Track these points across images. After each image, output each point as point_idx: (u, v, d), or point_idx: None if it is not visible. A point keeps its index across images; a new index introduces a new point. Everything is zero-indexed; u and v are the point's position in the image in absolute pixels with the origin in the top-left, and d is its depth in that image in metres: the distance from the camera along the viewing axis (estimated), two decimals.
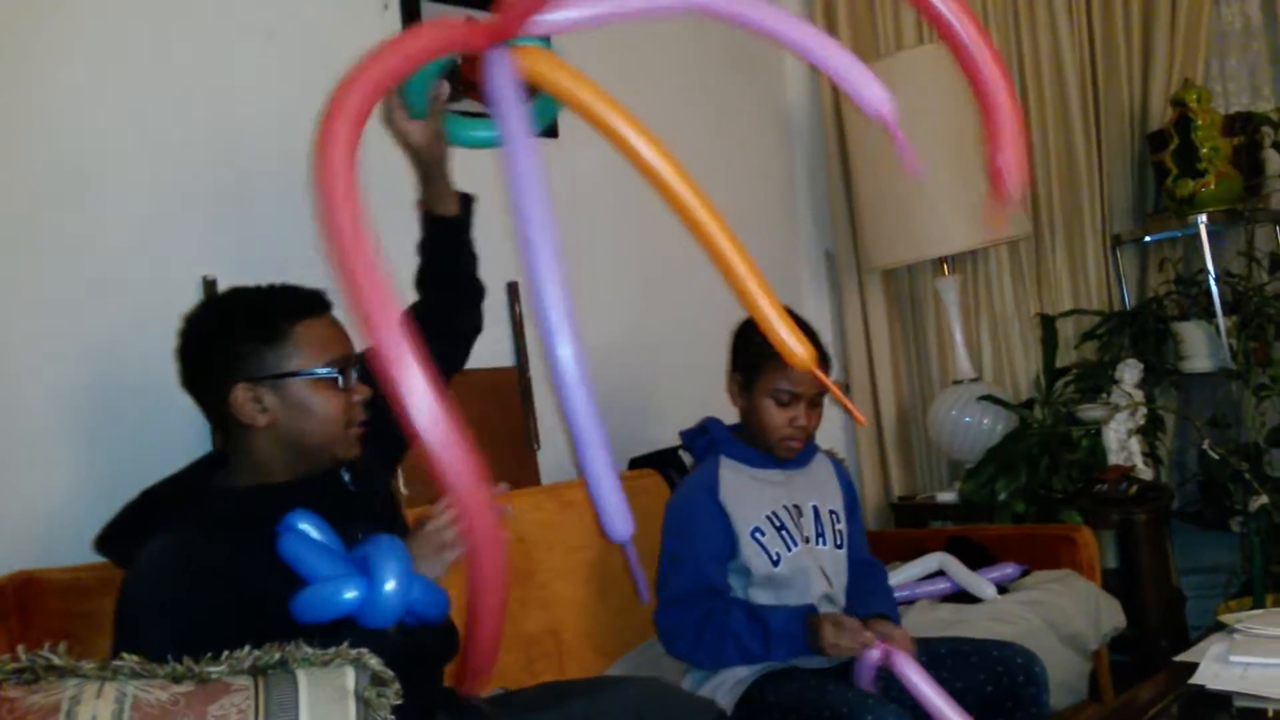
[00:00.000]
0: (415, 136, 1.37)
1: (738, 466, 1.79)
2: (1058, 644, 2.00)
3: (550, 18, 1.14)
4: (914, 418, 3.07)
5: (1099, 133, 2.97)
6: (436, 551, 1.17)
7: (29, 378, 1.59)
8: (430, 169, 1.41)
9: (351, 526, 1.22)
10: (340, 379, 1.27)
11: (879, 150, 2.76)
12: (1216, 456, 2.52)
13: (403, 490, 1.82)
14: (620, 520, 1.11)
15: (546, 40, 1.22)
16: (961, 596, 2.15)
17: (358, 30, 2.09)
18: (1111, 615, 2.20)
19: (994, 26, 3.00)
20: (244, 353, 1.23)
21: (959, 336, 2.84)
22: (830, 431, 3.09)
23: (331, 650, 1.00)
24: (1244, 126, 2.75)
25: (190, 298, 1.60)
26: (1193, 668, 1.57)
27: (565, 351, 1.03)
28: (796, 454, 1.80)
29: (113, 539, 1.24)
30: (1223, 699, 1.48)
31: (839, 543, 1.81)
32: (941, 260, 2.82)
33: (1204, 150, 2.66)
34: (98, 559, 1.29)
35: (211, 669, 0.96)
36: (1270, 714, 1.46)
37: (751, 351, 1.77)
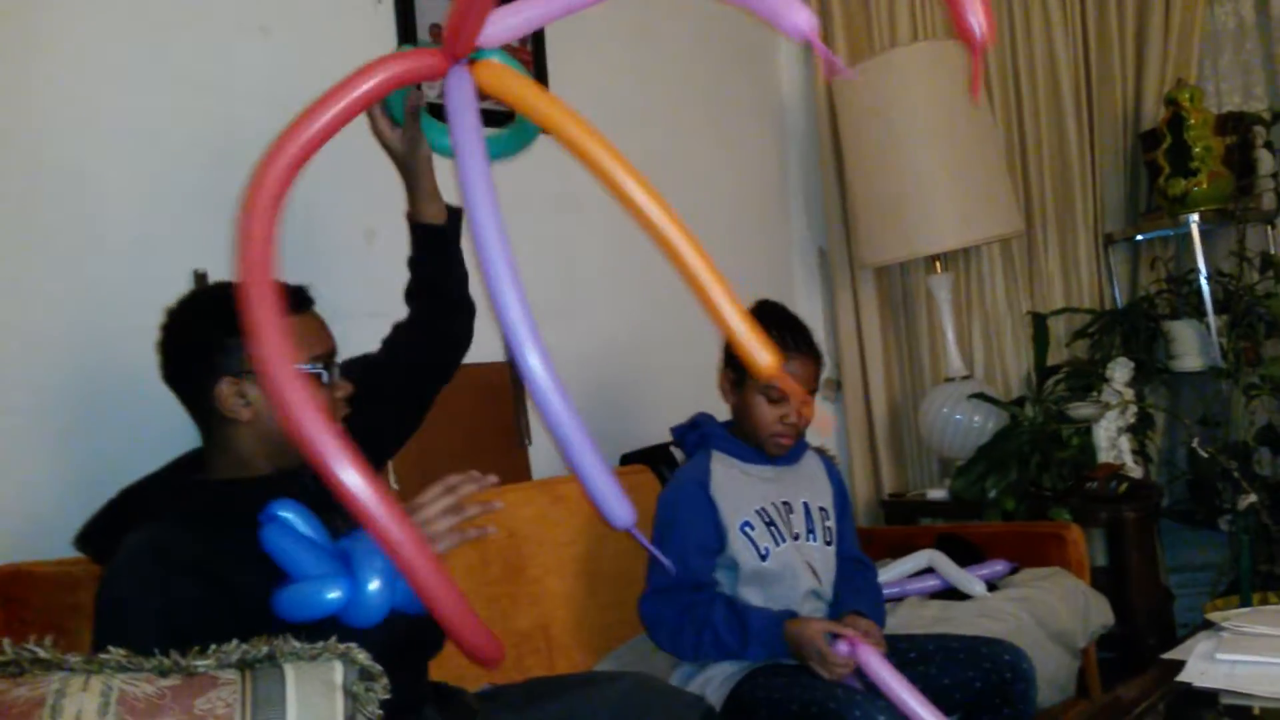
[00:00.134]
0: (395, 143, 1.39)
1: (729, 461, 1.80)
2: (1046, 641, 2.00)
3: (496, 30, 1.15)
4: (905, 415, 3.08)
5: (1092, 131, 2.98)
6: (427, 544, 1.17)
7: (17, 371, 1.58)
8: (412, 176, 1.43)
9: (333, 518, 1.22)
10: (323, 374, 1.27)
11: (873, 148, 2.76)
12: (1206, 455, 2.53)
13: (394, 486, 1.82)
14: (621, 507, 1.11)
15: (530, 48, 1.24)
16: (951, 593, 2.15)
17: (351, 26, 2.09)
18: (1100, 613, 2.21)
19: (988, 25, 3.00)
20: (228, 347, 1.23)
21: (951, 334, 2.84)
22: (822, 428, 3.10)
23: (319, 644, 0.99)
24: (1236, 126, 2.76)
25: (180, 291, 1.59)
26: (1180, 665, 1.57)
27: (533, 360, 1.03)
28: (787, 450, 1.81)
29: (92, 536, 1.24)
30: (1209, 696, 1.49)
31: (828, 539, 1.81)
32: (934, 258, 2.83)
33: (1196, 149, 2.67)
34: None
35: (198, 663, 0.96)
36: (1256, 711, 1.46)
37: None
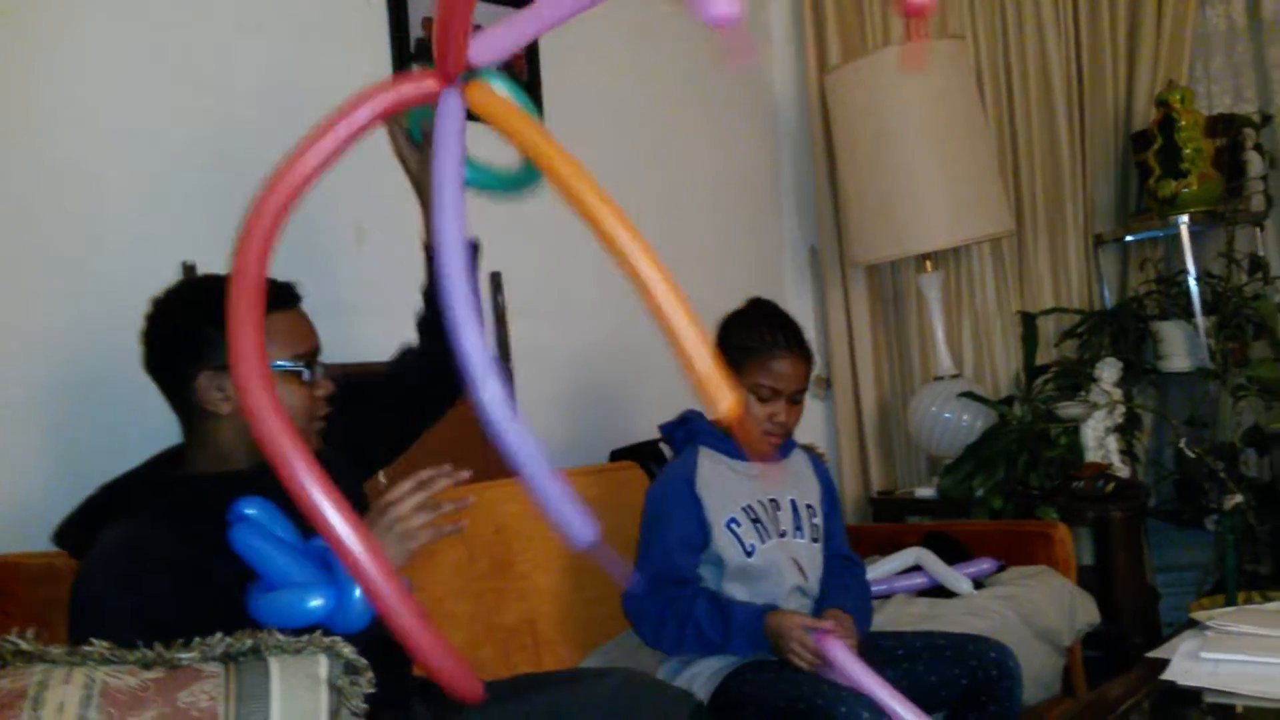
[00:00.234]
0: (412, 163, 1.38)
1: (716, 457, 1.80)
2: (1032, 639, 2.01)
3: (489, 48, 1.15)
4: (894, 413, 3.09)
5: (1083, 132, 2.99)
6: (399, 542, 1.14)
7: (5, 364, 1.58)
8: (427, 199, 1.40)
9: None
10: (306, 372, 1.26)
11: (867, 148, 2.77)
12: (1193, 455, 2.54)
13: (382, 481, 1.81)
14: (581, 526, 1.12)
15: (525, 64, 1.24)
16: (938, 591, 2.16)
17: (345, 23, 2.09)
18: (1086, 611, 2.21)
19: (981, 24, 3.01)
20: (211, 340, 1.22)
21: (940, 333, 2.85)
22: (813, 426, 3.10)
23: (304, 638, 0.99)
24: (1226, 128, 2.77)
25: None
26: (1164, 664, 1.58)
27: (488, 393, 1.04)
28: (774, 449, 1.81)
29: (70, 532, 1.23)
30: (1193, 695, 1.49)
31: (815, 536, 1.82)
32: (925, 257, 2.83)
33: (1187, 151, 2.67)
34: None
35: (182, 655, 0.96)
36: (1239, 709, 1.47)
37: (734, 346, 1.78)
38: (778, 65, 3.20)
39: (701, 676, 1.65)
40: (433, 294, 1.47)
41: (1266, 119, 2.82)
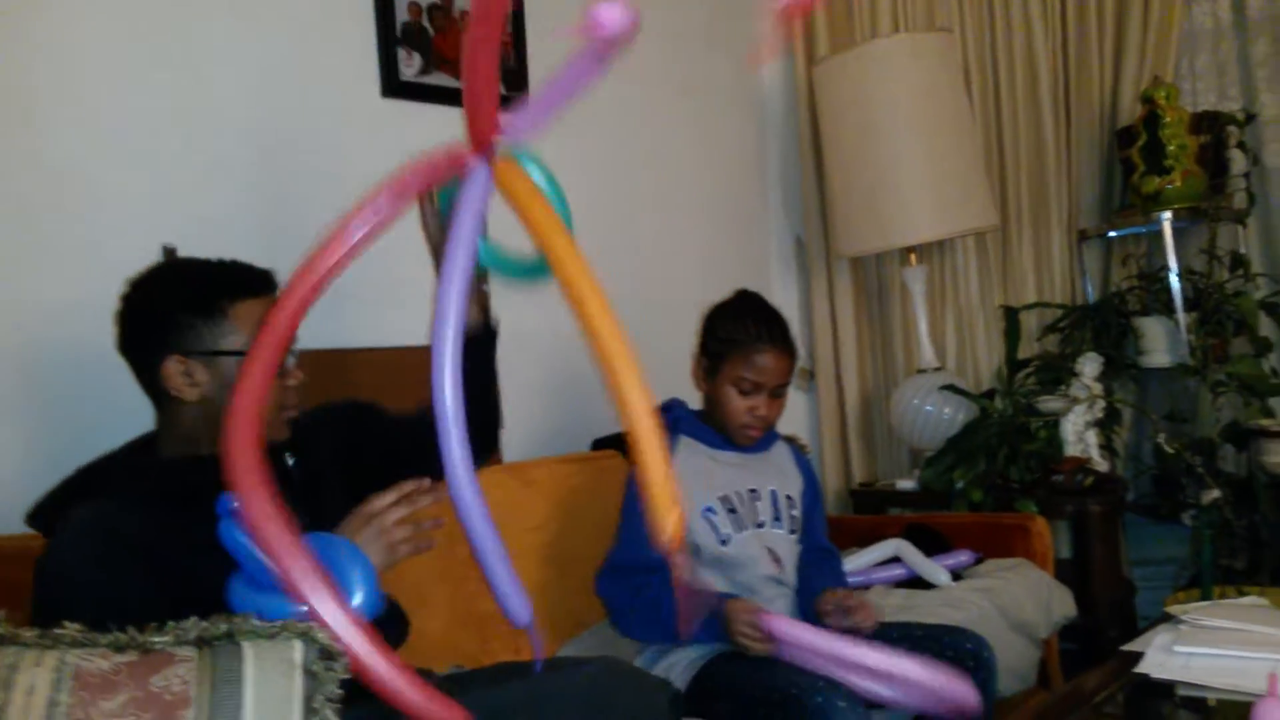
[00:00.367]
0: (433, 230, 1.36)
1: (696, 446, 1.80)
2: (1008, 631, 2.02)
3: (524, 122, 1.16)
4: (877, 405, 3.10)
5: (1069, 127, 3.00)
6: (387, 551, 1.15)
7: (4, 359, 1.57)
8: (440, 264, 1.38)
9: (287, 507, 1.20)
10: None
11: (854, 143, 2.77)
12: (1171, 450, 2.56)
13: None
14: (519, 606, 1.18)
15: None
16: (916, 583, 2.17)
17: (325, 5, 2.07)
18: (1062, 604, 2.23)
19: (969, 20, 3.01)
20: (181, 324, 1.22)
21: (924, 326, 2.86)
22: (795, 418, 3.11)
23: (279, 623, 0.98)
24: (1211, 125, 2.78)
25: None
26: (1139, 657, 1.59)
27: (454, 453, 1.09)
28: (755, 442, 1.81)
29: (44, 512, 1.22)
30: (1166, 688, 1.51)
31: (793, 528, 1.82)
32: (909, 250, 2.84)
33: (1171, 147, 2.69)
34: None
35: (155, 639, 0.95)
36: (1211, 702, 1.49)
37: (719, 338, 1.78)
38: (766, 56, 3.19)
39: (679, 665, 1.66)
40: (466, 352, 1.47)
41: (1250, 117, 2.83)
